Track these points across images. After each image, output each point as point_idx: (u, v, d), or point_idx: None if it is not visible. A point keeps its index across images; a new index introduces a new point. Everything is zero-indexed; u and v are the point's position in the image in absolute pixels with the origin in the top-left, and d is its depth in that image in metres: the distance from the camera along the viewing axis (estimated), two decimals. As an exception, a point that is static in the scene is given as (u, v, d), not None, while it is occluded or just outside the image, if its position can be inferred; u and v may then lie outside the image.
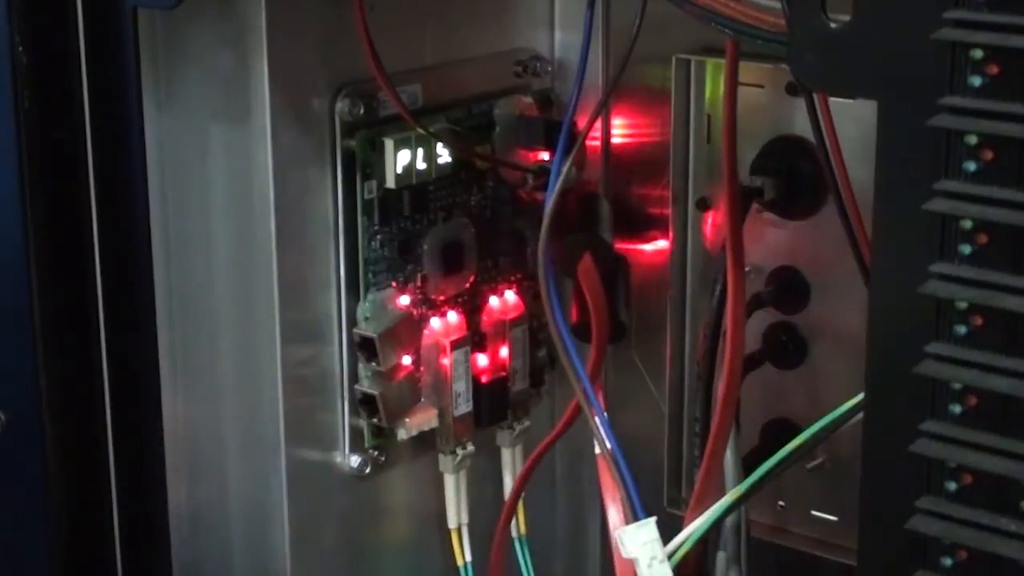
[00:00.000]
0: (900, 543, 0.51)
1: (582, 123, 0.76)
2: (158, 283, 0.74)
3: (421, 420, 0.79)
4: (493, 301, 0.83)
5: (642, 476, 0.69)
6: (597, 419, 0.70)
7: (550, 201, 0.72)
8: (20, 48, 0.67)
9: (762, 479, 0.64)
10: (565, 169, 0.73)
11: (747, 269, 0.76)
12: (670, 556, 0.64)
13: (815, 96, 0.65)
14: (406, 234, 0.78)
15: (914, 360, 0.50)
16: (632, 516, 0.66)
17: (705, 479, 0.69)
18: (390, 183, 0.76)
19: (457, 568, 0.83)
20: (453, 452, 0.81)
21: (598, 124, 0.84)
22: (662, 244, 0.84)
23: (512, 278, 0.84)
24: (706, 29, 0.58)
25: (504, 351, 0.83)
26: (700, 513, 0.66)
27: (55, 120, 0.69)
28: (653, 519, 0.65)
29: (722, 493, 0.67)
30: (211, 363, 0.76)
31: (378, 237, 0.77)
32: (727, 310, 0.69)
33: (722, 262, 0.72)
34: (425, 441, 0.81)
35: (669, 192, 0.82)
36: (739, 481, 0.68)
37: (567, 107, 0.77)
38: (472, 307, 0.82)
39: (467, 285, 0.82)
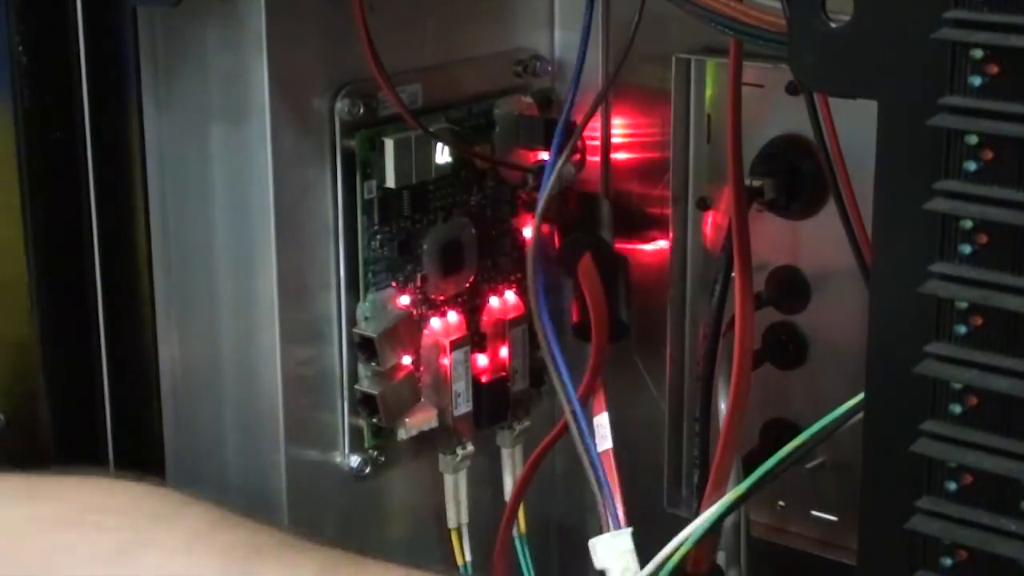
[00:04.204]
0: (900, 543, 0.51)
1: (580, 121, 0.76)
2: (158, 283, 0.74)
3: (421, 420, 0.79)
4: (493, 301, 0.83)
5: (642, 476, 0.69)
6: (580, 421, 0.69)
7: (543, 198, 0.72)
8: (20, 48, 0.67)
9: (762, 479, 0.64)
10: (559, 165, 0.73)
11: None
12: (669, 557, 0.64)
13: (815, 96, 0.65)
14: (406, 234, 0.78)
15: (914, 360, 0.50)
16: (609, 524, 0.65)
17: (716, 478, 0.69)
18: (390, 183, 0.76)
19: (457, 568, 0.83)
20: (453, 452, 0.81)
21: (598, 124, 0.84)
22: (662, 244, 0.84)
23: (512, 278, 0.84)
24: (706, 29, 0.58)
25: (504, 351, 0.83)
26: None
27: (55, 120, 0.69)
28: (629, 530, 0.64)
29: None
30: (211, 363, 0.76)
31: (378, 237, 0.77)
32: (732, 309, 0.68)
33: (722, 262, 0.71)
34: (425, 441, 0.81)
35: (669, 192, 0.82)
36: (739, 481, 0.68)
37: (564, 105, 0.77)
38: (472, 307, 0.82)
39: (467, 285, 0.82)
